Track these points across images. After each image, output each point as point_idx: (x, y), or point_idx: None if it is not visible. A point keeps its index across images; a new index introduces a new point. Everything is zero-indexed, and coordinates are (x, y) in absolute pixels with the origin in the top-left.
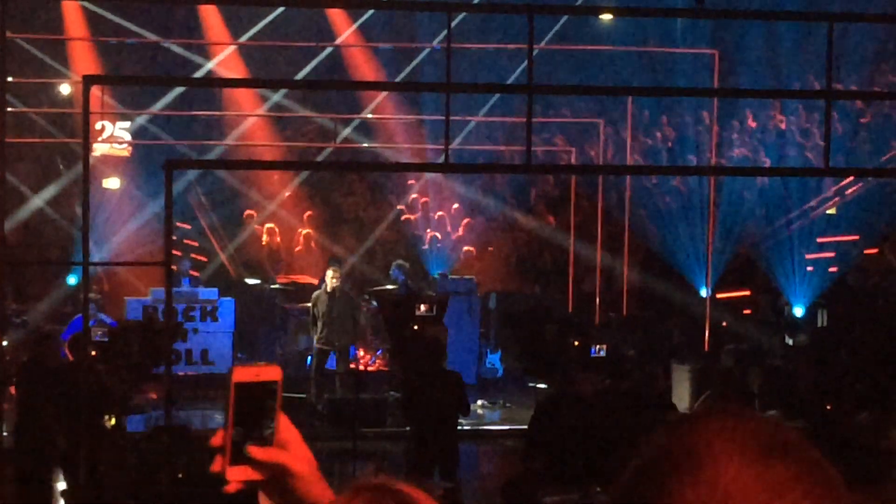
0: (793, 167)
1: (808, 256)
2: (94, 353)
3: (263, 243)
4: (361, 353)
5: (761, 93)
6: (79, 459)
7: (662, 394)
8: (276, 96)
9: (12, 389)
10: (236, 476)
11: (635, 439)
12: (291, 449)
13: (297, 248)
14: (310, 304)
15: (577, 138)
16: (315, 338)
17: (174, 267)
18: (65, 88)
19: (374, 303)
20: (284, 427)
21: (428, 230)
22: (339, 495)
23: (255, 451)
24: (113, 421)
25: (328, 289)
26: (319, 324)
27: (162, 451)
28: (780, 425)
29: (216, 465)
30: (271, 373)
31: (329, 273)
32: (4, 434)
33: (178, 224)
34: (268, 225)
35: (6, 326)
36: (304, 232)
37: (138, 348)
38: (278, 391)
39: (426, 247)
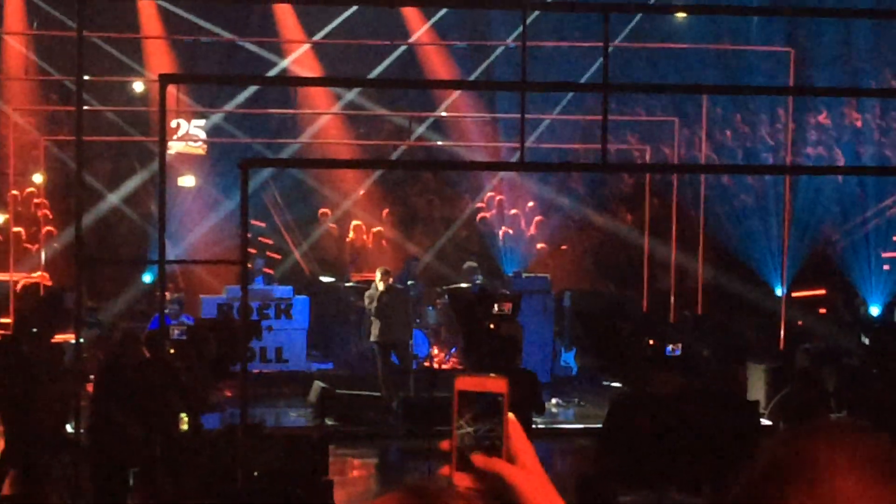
0: (869, 166)
1: (885, 255)
2: (171, 350)
3: (347, 240)
4: (435, 350)
5: (837, 91)
6: (154, 458)
7: (739, 393)
8: (351, 94)
9: (89, 387)
10: (462, 482)
11: (712, 439)
12: (519, 462)
13: (370, 246)
14: (365, 303)
15: (652, 136)
16: (373, 333)
17: (249, 265)
18: (138, 86)
19: (448, 301)
20: (517, 440)
21: (502, 228)
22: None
23: (476, 460)
24: (186, 419)
25: (380, 287)
26: (377, 321)
27: (237, 449)
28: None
29: (444, 470)
30: (497, 385)
31: (378, 276)
32: (81, 431)
33: (253, 222)
34: (354, 222)
35: (82, 325)
36: (375, 230)
37: (215, 346)
38: (504, 403)
39: (500, 245)
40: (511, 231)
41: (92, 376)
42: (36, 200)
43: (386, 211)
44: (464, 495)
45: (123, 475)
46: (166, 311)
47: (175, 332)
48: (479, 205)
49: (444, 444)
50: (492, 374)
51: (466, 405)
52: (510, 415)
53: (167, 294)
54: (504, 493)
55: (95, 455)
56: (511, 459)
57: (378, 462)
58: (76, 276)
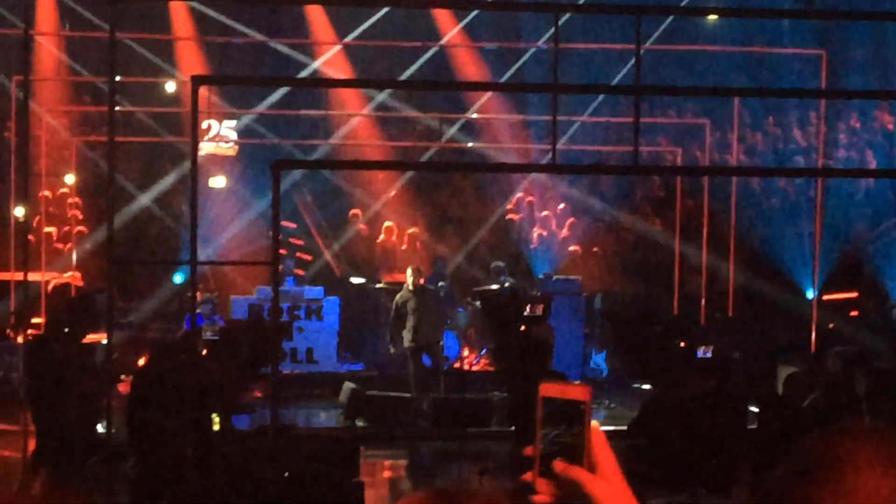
0: None
1: None
2: (204, 351)
3: (378, 241)
4: (466, 352)
5: (869, 93)
6: (186, 458)
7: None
8: (382, 96)
9: (120, 387)
10: (543, 488)
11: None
12: (600, 472)
13: (403, 248)
14: (394, 305)
15: (683, 139)
16: (406, 338)
17: (279, 266)
18: (170, 87)
19: (478, 302)
20: (599, 449)
21: (533, 230)
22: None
23: (557, 466)
24: (218, 420)
25: (411, 287)
26: (409, 323)
27: (268, 450)
28: None
29: (527, 475)
30: (580, 392)
31: (409, 271)
32: (113, 432)
33: (284, 223)
34: (386, 223)
35: (113, 326)
36: (410, 231)
37: (247, 348)
38: (586, 411)
39: (531, 247)
40: (542, 233)
41: (123, 377)
42: (70, 201)
43: (415, 212)
44: (489, 497)
45: (158, 477)
46: (199, 311)
47: (207, 334)
48: (510, 206)
49: (528, 450)
50: (576, 382)
51: (549, 412)
52: (594, 423)
53: (199, 294)
54: (582, 501)
55: (132, 457)
56: (591, 468)
57: (409, 463)
58: (108, 276)
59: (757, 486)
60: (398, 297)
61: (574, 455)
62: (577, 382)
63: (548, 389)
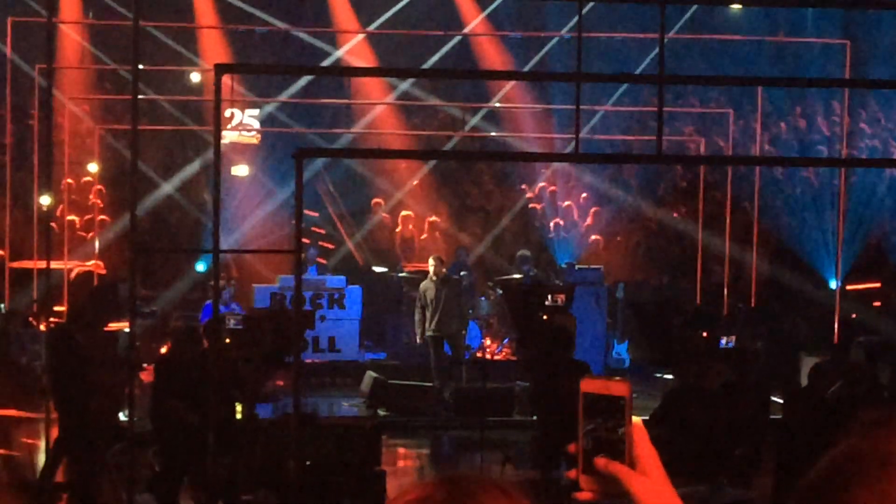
0: None
1: None
2: (227, 340)
3: (397, 231)
4: (488, 341)
5: (893, 83)
6: (209, 447)
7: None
8: (404, 85)
9: (143, 376)
10: (587, 485)
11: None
12: (640, 468)
13: (424, 236)
14: (417, 295)
15: (706, 128)
16: (427, 327)
17: (302, 255)
18: (194, 76)
19: (500, 291)
20: (641, 445)
21: (555, 219)
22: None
23: (598, 462)
24: (241, 409)
25: (433, 277)
26: (429, 313)
27: (290, 439)
28: None
29: (571, 473)
30: (620, 388)
31: (430, 262)
32: (135, 420)
33: (307, 212)
34: (403, 213)
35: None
36: (431, 220)
37: (271, 337)
38: (626, 407)
39: (553, 236)
40: (559, 222)
41: (145, 365)
42: (93, 189)
43: (437, 201)
44: (498, 486)
45: (180, 464)
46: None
47: (231, 322)
48: (532, 195)
49: (572, 447)
50: (617, 378)
51: (591, 408)
52: (637, 419)
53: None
54: (623, 497)
55: (155, 443)
56: (633, 464)
57: (430, 452)
58: (130, 264)
59: (784, 479)
60: (421, 286)
61: (616, 451)
62: (617, 378)
63: (589, 385)
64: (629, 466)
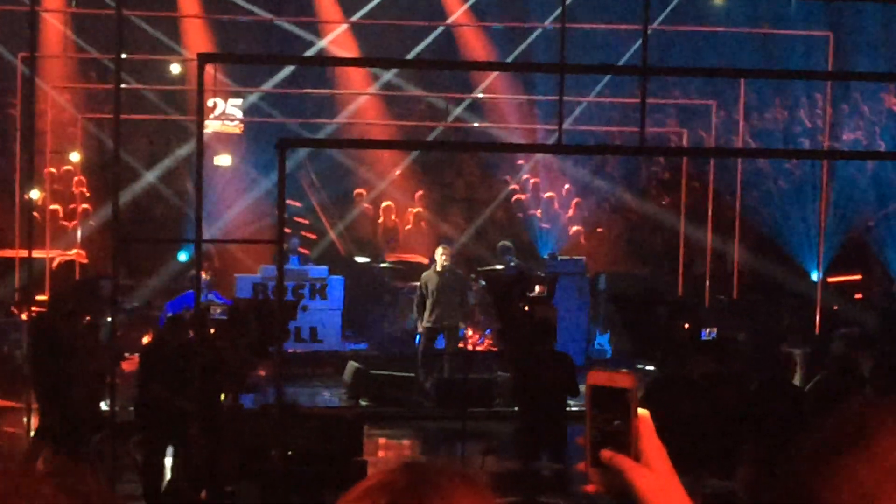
0: None
1: None
2: (212, 330)
3: (379, 221)
4: (470, 332)
5: (876, 76)
6: (192, 436)
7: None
8: (388, 75)
9: (124, 365)
10: (594, 478)
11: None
12: (645, 461)
13: (407, 227)
14: (418, 284)
15: (688, 120)
16: (424, 317)
17: (284, 245)
18: (175, 68)
19: (483, 282)
20: (647, 438)
21: (538, 210)
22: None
23: (604, 455)
24: (225, 399)
25: (438, 268)
26: (429, 303)
27: (272, 429)
28: None
29: (581, 465)
30: (625, 380)
31: (439, 251)
32: (116, 409)
33: (289, 202)
34: (384, 203)
35: (117, 303)
36: (415, 210)
37: (255, 326)
38: (631, 399)
39: (536, 227)
40: (537, 213)
41: (127, 354)
42: (75, 178)
43: (420, 193)
44: (461, 473)
45: (162, 452)
46: (192, 290)
47: (216, 312)
48: (515, 186)
49: (580, 440)
50: (622, 370)
51: (598, 400)
52: (643, 412)
53: (204, 274)
54: (629, 491)
55: (141, 433)
56: (638, 457)
57: (411, 443)
58: (113, 254)
59: (764, 471)
60: (424, 275)
61: (621, 444)
62: (623, 370)
63: (596, 377)
64: (634, 459)
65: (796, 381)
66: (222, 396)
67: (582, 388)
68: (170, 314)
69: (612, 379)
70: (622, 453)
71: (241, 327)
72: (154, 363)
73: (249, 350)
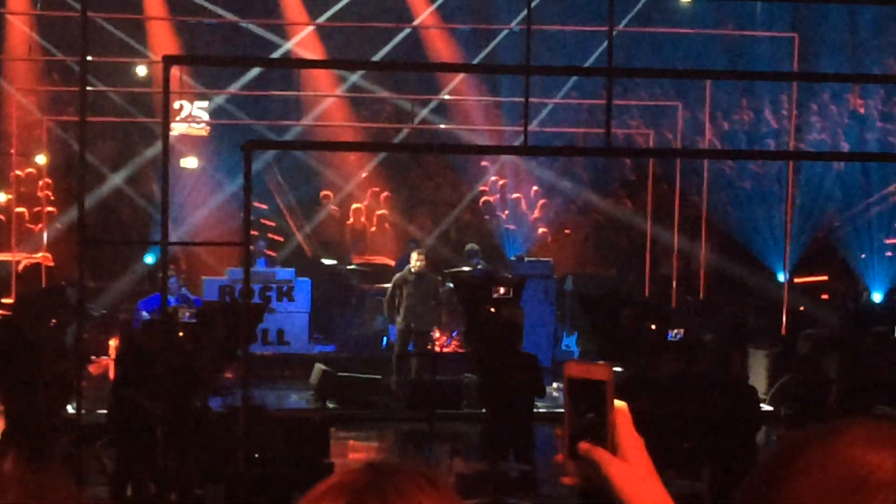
0: (872, 152)
1: (888, 241)
2: (181, 333)
3: (348, 223)
4: (437, 334)
5: (840, 76)
6: (158, 439)
7: (739, 378)
8: (354, 77)
9: (91, 368)
10: (572, 469)
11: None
12: (621, 453)
13: (372, 229)
14: (389, 286)
15: (654, 121)
16: (398, 320)
17: (251, 247)
18: (140, 70)
19: (450, 284)
20: (623, 431)
21: (505, 212)
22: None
23: (581, 447)
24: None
25: (412, 271)
26: (402, 308)
27: (239, 431)
28: None
29: (559, 457)
30: (601, 372)
31: (414, 255)
32: (83, 412)
33: (255, 204)
34: (354, 205)
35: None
36: (379, 213)
37: (224, 329)
38: (608, 391)
39: (503, 228)
40: (514, 215)
41: (93, 357)
42: (41, 181)
43: (386, 194)
44: (423, 474)
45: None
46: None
47: (185, 315)
48: (482, 188)
49: (559, 431)
50: (600, 362)
51: (575, 392)
52: (621, 404)
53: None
54: (605, 484)
55: (115, 436)
56: (614, 450)
57: (379, 445)
58: (78, 257)
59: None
60: (398, 276)
61: (599, 436)
62: (600, 362)
63: (572, 369)
64: (611, 452)
65: (760, 382)
66: (192, 399)
67: (549, 388)
68: (144, 317)
69: (589, 371)
70: (599, 446)
71: (210, 330)
72: (129, 367)
73: (218, 353)
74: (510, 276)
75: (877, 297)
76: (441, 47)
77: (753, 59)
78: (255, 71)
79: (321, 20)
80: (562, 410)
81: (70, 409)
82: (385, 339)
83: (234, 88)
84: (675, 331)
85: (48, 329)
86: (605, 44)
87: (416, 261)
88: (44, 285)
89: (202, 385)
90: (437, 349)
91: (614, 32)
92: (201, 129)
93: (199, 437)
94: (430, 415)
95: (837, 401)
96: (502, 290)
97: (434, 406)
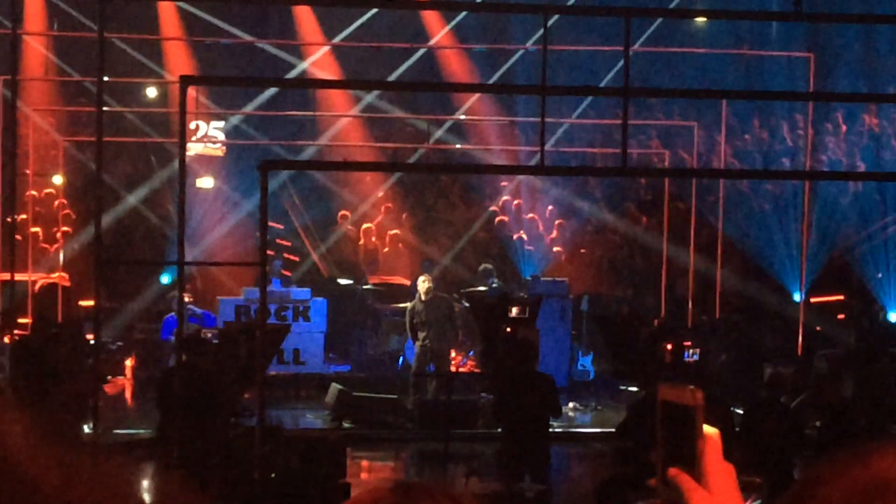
0: (889, 172)
1: None
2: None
3: (360, 244)
4: (453, 354)
5: (857, 96)
6: (194, 460)
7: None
8: (370, 97)
9: (107, 388)
10: (663, 494)
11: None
12: (706, 482)
13: (385, 249)
14: (407, 313)
15: (671, 141)
16: (416, 344)
17: (267, 267)
18: (150, 92)
19: (466, 304)
20: (712, 459)
21: (521, 232)
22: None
23: (670, 472)
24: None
25: (423, 297)
26: (421, 334)
27: (255, 451)
28: None
29: (652, 481)
30: (690, 397)
31: (419, 283)
32: (100, 432)
33: (271, 224)
34: (365, 225)
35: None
36: (392, 233)
37: (245, 350)
38: (697, 416)
39: (519, 248)
40: (522, 236)
41: (110, 377)
42: (57, 202)
43: (404, 214)
44: (448, 493)
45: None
46: (174, 312)
47: (207, 336)
48: (496, 208)
49: (653, 454)
50: (689, 387)
51: (668, 416)
52: (712, 431)
53: (186, 296)
54: None
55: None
56: (700, 477)
57: (395, 465)
58: (95, 276)
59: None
60: (409, 306)
61: (687, 462)
62: (690, 387)
63: (665, 393)
64: (697, 479)
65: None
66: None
67: (564, 409)
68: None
69: (679, 395)
70: (686, 472)
71: (232, 351)
72: (166, 390)
73: (241, 374)
74: (526, 295)
75: (893, 317)
76: (456, 67)
77: (769, 79)
78: (270, 91)
79: (337, 40)
80: (578, 430)
81: (87, 428)
82: (401, 358)
83: (249, 108)
84: (692, 351)
85: (65, 350)
86: (621, 63)
87: (421, 289)
88: (60, 306)
89: (225, 406)
90: (453, 369)
91: (630, 52)
92: (217, 149)
93: (219, 456)
94: (446, 435)
95: (854, 420)
96: (518, 310)
97: (450, 426)
